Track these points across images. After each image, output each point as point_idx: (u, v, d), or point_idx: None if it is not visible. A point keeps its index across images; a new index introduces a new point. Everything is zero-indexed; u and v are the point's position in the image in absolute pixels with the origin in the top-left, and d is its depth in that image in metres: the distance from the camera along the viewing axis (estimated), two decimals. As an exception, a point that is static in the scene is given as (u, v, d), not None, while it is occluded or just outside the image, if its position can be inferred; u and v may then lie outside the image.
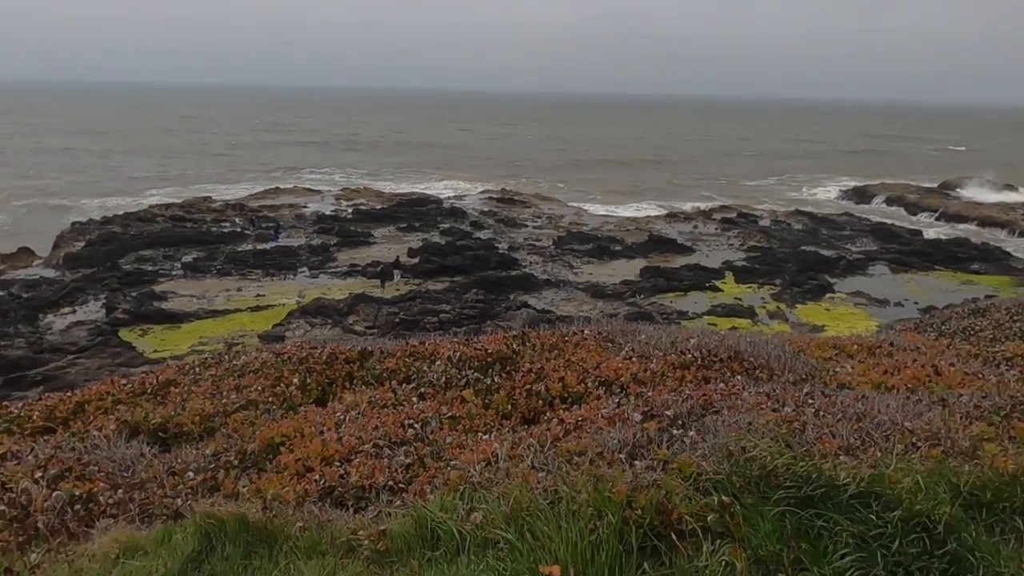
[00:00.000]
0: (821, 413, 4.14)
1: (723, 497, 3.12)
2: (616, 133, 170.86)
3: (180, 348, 28.35)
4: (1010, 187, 75.96)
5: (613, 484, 3.12)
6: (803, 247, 45.61)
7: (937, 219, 62.58)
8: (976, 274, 41.13)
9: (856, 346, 8.21)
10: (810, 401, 4.55)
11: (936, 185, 79.46)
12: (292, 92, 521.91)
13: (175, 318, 31.14)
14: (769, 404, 4.50)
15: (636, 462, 3.50)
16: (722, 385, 5.35)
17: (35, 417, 5.81)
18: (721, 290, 36.64)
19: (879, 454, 3.44)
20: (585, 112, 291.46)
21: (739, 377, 5.99)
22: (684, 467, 3.33)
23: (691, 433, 3.89)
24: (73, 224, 47.80)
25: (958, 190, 75.04)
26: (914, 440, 3.73)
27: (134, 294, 33.38)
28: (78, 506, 3.81)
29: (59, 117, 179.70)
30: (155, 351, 28.13)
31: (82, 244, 42.25)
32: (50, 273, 37.79)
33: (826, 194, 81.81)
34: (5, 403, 6.34)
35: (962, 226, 59.34)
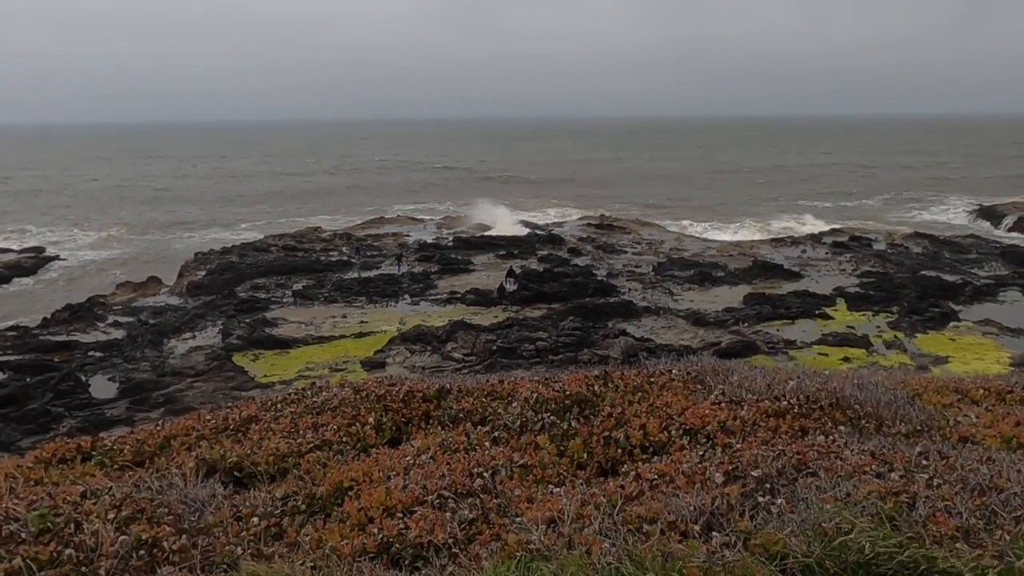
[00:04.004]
0: (936, 482, 3.58)
1: (812, 585, 2.70)
2: (708, 157, 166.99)
3: (288, 373, 29.44)
4: None
5: (684, 563, 2.77)
6: (923, 272, 42.61)
7: (1080, 240, 57.04)
8: None
9: (982, 390, 7.33)
10: (924, 463, 3.99)
11: (1079, 203, 72.63)
12: (370, 125, 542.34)
13: (284, 344, 32.45)
14: (874, 466, 3.98)
15: (713, 534, 3.12)
16: (821, 438, 4.83)
17: (126, 451, 6.02)
18: (832, 318, 34.68)
19: (1007, 538, 2.90)
20: (672, 137, 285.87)
21: (842, 428, 5.43)
22: (768, 544, 2.93)
23: (779, 501, 3.45)
24: (196, 255, 51.08)
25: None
26: (1052, 520, 3.14)
27: (248, 320, 35.04)
28: (143, 551, 3.82)
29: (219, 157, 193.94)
30: (265, 375, 29.34)
31: (203, 273, 44.99)
32: (175, 300, 40.34)
33: (946, 215, 76.38)
34: (101, 436, 6.62)
35: (1111, 248, 53.85)
